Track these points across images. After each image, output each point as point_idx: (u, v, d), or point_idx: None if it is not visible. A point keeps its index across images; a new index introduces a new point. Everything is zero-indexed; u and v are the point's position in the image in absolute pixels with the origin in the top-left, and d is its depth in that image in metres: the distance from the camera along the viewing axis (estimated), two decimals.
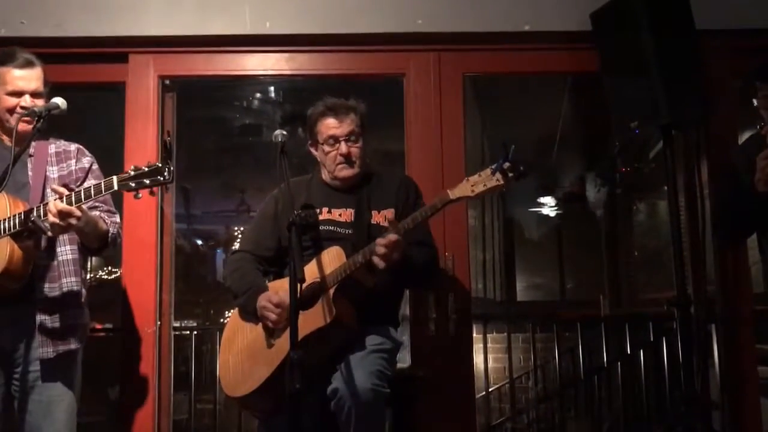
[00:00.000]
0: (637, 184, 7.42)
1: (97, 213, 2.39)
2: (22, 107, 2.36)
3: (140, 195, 2.12)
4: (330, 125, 2.58)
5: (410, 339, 3.12)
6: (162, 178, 2.08)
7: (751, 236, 2.70)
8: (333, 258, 2.38)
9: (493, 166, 2.14)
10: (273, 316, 2.37)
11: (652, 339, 4.63)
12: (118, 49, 3.18)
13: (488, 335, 4.60)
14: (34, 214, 2.17)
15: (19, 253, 2.20)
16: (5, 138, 2.40)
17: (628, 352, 4.73)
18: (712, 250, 3.04)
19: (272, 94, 5.59)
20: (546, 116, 6.15)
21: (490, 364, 4.86)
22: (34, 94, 2.40)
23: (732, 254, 3.07)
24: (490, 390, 5.12)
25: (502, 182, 2.13)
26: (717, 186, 3.03)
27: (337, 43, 3.21)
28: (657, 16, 2.75)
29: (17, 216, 2.20)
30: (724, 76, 3.15)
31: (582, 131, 6.69)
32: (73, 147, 2.52)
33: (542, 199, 8.80)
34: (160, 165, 2.09)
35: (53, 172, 2.43)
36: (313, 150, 2.68)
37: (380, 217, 2.56)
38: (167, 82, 3.28)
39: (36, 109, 2.31)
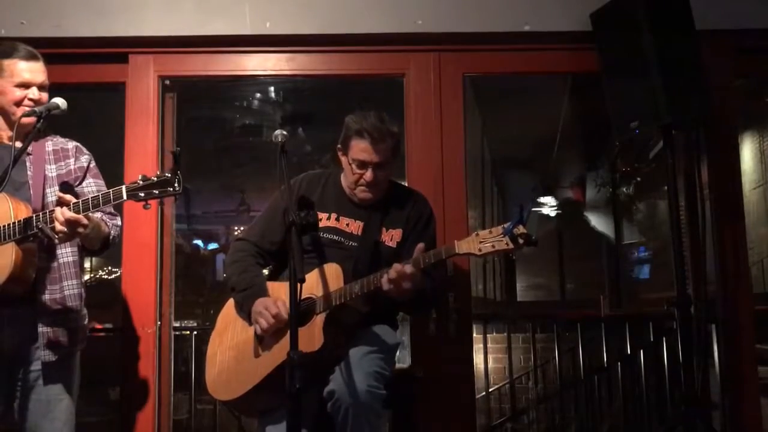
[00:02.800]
0: (637, 184, 7.43)
1: (99, 215, 2.39)
2: (30, 99, 2.36)
3: (149, 206, 2.11)
4: (362, 149, 2.46)
5: (410, 339, 3.12)
6: (171, 190, 2.06)
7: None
8: (332, 277, 2.34)
9: (505, 226, 2.12)
10: (265, 325, 2.33)
11: (652, 339, 4.63)
12: (118, 49, 3.18)
13: (488, 335, 4.61)
14: (41, 221, 2.17)
15: (23, 258, 2.20)
16: (4, 136, 2.39)
17: (628, 352, 4.73)
18: (712, 250, 3.05)
19: (272, 94, 5.59)
20: (546, 116, 6.15)
21: (490, 364, 4.86)
22: (41, 87, 2.40)
23: (732, 254, 3.07)
24: (490, 390, 5.12)
25: (511, 246, 2.11)
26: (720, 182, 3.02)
27: (337, 43, 3.21)
28: (657, 16, 2.75)
29: (22, 221, 2.19)
30: (724, 76, 3.15)
31: (582, 131, 6.69)
32: (70, 145, 2.51)
33: (542, 199, 8.81)
34: (169, 176, 2.07)
35: (52, 170, 2.42)
36: (340, 154, 2.59)
37: (387, 235, 2.52)
38: (167, 82, 3.28)
39: (36, 109, 2.31)
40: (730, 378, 3.03)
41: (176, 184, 2.06)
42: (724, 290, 3.06)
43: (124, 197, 2.09)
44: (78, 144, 2.54)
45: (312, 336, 2.25)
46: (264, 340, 2.38)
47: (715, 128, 3.11)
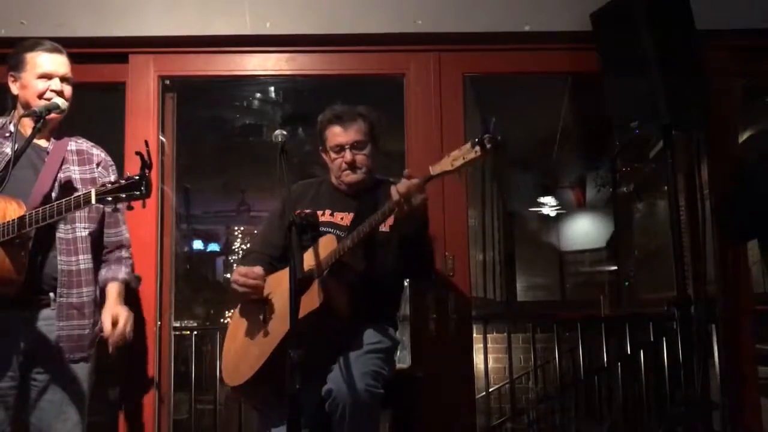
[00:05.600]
0: (637, 183, 7.42)
1: (122, 275, 2.52)
2: (53, 90, 2.37)
3: (133, 206, 2.13)
4: (336, 133, 2.60)
5: (410, 339, 3.12)
6: (138, 193, 2.07)
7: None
8: (325, 245, 2.39)
9: (473, 140, 2.13)
10: (240, 280, 2.44)
11: (652, 339, 4.63)
12: (118, 49, 3.18)
13: (488, 335, 4.61)
14: (26, 219, 2.17)
15: (7, 260, 2.19)
16: (29, 131, 2.36)
17: (628, 352, 4.74)
18: (712, 250, 3.05)
19: (272, 94, 5.59)
20: (546, 116, 6.15)
21: (490, 364, 4.86)
22: (63, 79, 2.42)
23: (732, 254, 3.07)
24: (490, 390, 5.12)
25: (480, 154, 2.11)
26: (720, 182, 3.03)
27: (337, 43, 3.21)
28: (657, 16, 2.75)
29: (10, 223, 2.19)
30: (724, 76, 3.15)
31: (582, 131, 6.69)
32: (95, 152, 2.54)
33: (542, 199, 8.82)
34: (137, 178, 2.07)
35: (75, 172, 2.42)
36: (323, 155, 2.71)
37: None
38: (167, 82, 3.28)
39: (36, 109, 2.31)
40: (730, 378, 3.03)
41: (143, 188, 2.06)
42: (724, 290, 3.06)
43: (93, 201, 2.10)
44: (105, 156, 2.58)
45: (312, 296, 2.29)
46: (270, 322, 2.43)
47: (715, 128, 3.10)
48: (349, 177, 2.61)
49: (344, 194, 2.65)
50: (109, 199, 2.08)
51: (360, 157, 2.59)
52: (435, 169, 2.22)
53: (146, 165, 2.06)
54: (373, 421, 2.28)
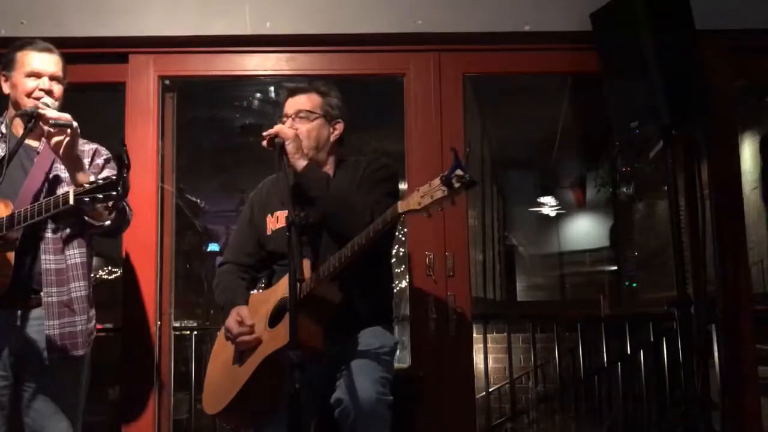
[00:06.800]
0: (637, 183, 7.43)
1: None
2: (41, 89, 2.36)
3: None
4: (286, 105, 2.51)
5: (410, 339, 3.12)
6: (115, 194, 2.04)
7: None
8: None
9: (442, 175, 1.98)
10: (233, 335, 2.33)
11: (652, 339, 4.63)
12: (118, 49, 3.18)
13: (488, 335, 4.61)
14: (16, 217, 2.16)
15: None
16: (21, 131, 2.32)
17: (628, 352, 4.74)
18: (712, 250, 3.05)
19: (272, 94, 5.59)
20: (546, 116, 6.16)
21: (490, 364, 4.86)
22: (53, 78, 2.40)
23: (732, 254, 3.07)
24: (490, 390, 5.12)
25: (446, 193, 1.96)
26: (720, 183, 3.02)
27: (337, 43, 3.21)
28: (657, 16, 2.75)
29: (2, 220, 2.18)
30: (724, 76, 3.15)
31: (582, 131, 6.69)
32: (87, 147, 2.47)
33: (542, 199, 8.83)
34: (114, 178, 2.04)
35: (64, 171, 2.38)
36: None
37: None
38: (167, 82, 3.28)
39: (28, 108, 2.29)
40: (730, 378, 3.03)
41: (119, 188, 2.02)
42: (724, 290, 3.06)
43: (71, 202, 2.07)
44: (97, 146, 2.52)
45: (279, 333, 2.20)
46: (245, 351, 2.36)
47: (715, 128, 3.10)
48: (293, 159, 2.40)
49: None
50: (87, 199, 2.05)
51: (304, 130, 2.43)
52: (402, 207, 2.07)
53: (124, 165, 2.03)
54: (384, 428, 2.22)
